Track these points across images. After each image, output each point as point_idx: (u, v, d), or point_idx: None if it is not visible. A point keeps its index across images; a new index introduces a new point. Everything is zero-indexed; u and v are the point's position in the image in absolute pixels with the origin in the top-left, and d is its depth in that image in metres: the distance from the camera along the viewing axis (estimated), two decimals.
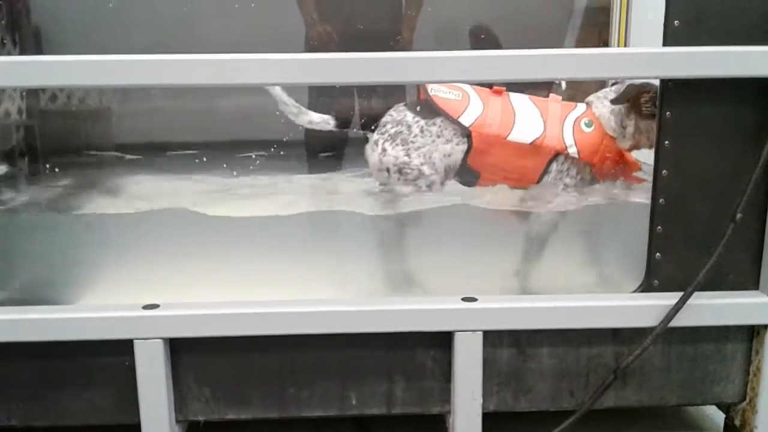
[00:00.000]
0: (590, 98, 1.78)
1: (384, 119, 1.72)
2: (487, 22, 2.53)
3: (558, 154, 1.69)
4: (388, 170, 1.69)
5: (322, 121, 1.77)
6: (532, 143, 1.66)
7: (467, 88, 1.70)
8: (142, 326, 1.41)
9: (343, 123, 1.80)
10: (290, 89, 1.75)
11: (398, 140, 1.67)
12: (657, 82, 1.47)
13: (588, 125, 1.70)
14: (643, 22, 2.40)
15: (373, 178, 1.75)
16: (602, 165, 1.70)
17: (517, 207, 1.73)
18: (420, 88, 1.72)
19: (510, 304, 1.47)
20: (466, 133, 1.67)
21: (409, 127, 1.68)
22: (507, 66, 1.39)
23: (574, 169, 1.70)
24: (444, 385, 1.50)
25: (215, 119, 2.36)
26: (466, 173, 1.72)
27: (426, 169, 1.67)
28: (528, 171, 1.71)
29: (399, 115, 1.70)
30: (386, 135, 1.69)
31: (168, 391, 1.44)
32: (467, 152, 1.68)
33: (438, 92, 1.67)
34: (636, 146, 1.75)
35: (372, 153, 1.71)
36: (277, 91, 1.72)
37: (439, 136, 1.67)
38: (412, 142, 1.66)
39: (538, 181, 1.72)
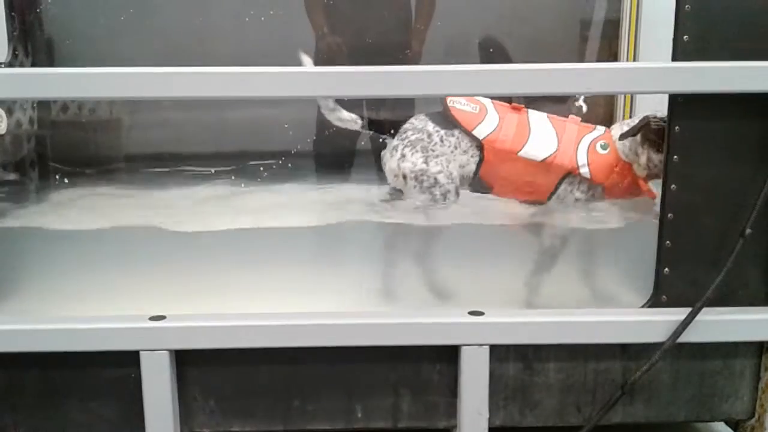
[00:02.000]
0: (614, 125, 1.77)
1: (405, 126, 1.73)
2: (497, 35, 2.53)
3: (569, 173, 1.69)
4: (405, 176, 1.70)
5: (351, 120, 1.78)
6: (543, 161, 1.67)
7: (486, 102, 1.71)
8: (149, 338, 1.41)
9: (369, 125, 1.80)
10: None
11: (418, 147, 1.69)
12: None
13: (604, 147, 1.70)
14: (652, 36, 2.40)
15: (389, 183, 1.75)
16: (614, 187, 1.70)
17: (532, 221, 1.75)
18: (445, 100, 1.73)
19: (517, 318, 1.46)
20: (479, 146, 1.68)
21: (429, 135, 1.69)
22: (516, 80, 1.39)
23: (585, 186, 1.70)
24: (450, 399, 1.49)
25: (225, 130, 2.37)
26: (479, 186, 1.73)
27: (442, 178, 1.68)
28: (539, 188, 1.72)
29: (420, 123, 1.72)
30: (406, 141, 1.70)
31: (173, 403, 1.44)
32: (479, 164, 1.69)
33: (456, 103, 1.69)
34: (652, 176, 1.72)
35: (390, 158, 1.72)
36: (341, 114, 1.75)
37: (456, 147, 1.69)
38: (432, 150, 1.68)
39: (549, 199, 1.72)
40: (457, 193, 1.70)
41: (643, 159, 1.69)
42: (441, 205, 1.69)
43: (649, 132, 1.65)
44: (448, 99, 1.69)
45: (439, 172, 1.67)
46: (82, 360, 1.44)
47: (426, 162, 1.68)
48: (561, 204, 1.72)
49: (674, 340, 1.42)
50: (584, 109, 1.90)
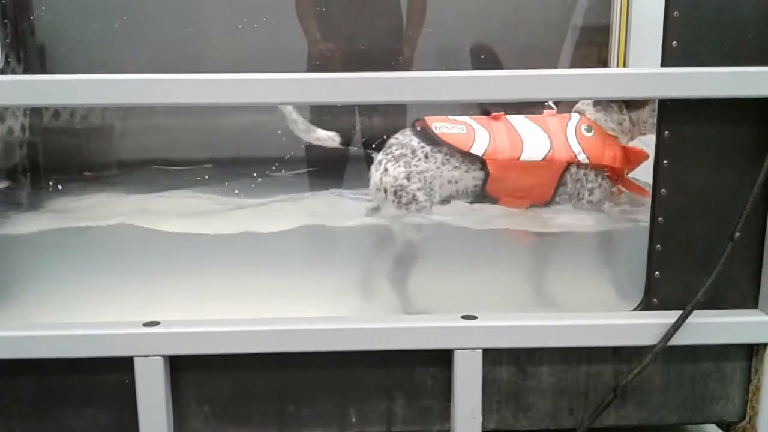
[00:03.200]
0: (578, 107, 1.82)
1: (390, 141, 1.73)
2: (488, 42, 2.55)
3: (569, 165, 1.71)
4: (385, 191, 1.69)
5: (329, 138, 1.78)
6: (544, 159, 1.69)
7: (467, 119, 1.72)
8: (143, 343, 1.41)
9: (347, 141, 1.81)
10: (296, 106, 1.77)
11: (401, 162, 1.68)
12: None
13: (588, 130, 1.73)
14: (642, 42, 2.42)
15: (370, 197, 1.76)
16: (613, 163, 1.72)
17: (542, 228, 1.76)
18: (416, 120, 1.73)
19: (510, 322, 1.47)
20: (480, 162, 1.68)
21: (413, 151, 1.69)
22: (507, 86, 1.40)
23: (591, 174, 1.72)
24: (444, 403, 1.50)
25: (218, 136, 2.38)
26: (485, 201, 1.74)
27: (420, 195, 1.67)
28: (543, 187, 1.73)
29: (405, 138, 1.72)
30: (390, 156, 1.70)
31: (168, 409, 1.44)
32: (485, 181, 1.69)
33: (443, 129, 1.68)
34: (633, 137, 1.80)
35: (375, 172, 1.72)
36: (288, 108, 1.73)
37: (444, 164, 1.68)
38: (415, 166, 1.68)
39: (554, 195, 1.74)
40: (431, 208, 1.70)
41: (626, 123, 1.75)
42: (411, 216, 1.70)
43: None
44: (432, 125, 1.69)
45: (419, 189, 1.67)
46: (76, 366, 1.43)
47: (408, 177, 1.67)
48: (579, 201, 1.73)
49: (665, 343, 1.44)
50: (553, 105, 1.92)
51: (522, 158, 1.67)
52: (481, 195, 1.72)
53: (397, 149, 1.70)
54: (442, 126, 1.68)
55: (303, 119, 1.75)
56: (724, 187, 1.45)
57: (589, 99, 1.74)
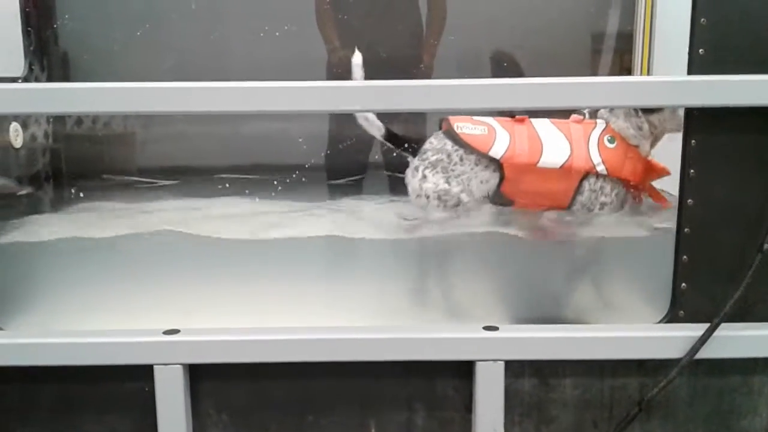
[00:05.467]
0: (602, 113, 1.80)
1: (425, 146, 1.75)
2: (509, 49, 2.53)
3: (588, 174, 1.70)
4: (427, 197, 1.71)
5: (376, 126, 1.78)
6: (561, 167, 1.68)
7: (490, 120, 1.73)
8: (163, 352, 1.41)
9: (369, 149, 1.82)
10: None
11: (438, 168, 1.71)
12: None
13: (611, 141, 1.73)
14: (666, 49, 2.39)
15: (412, 203, 1.76)
16: (632, 177, 1.71)
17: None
18: (442, 120, 1.74)
19: (532, 333, 1.45)
20: (498, 164, 1.69)
21: (449, 155, 1.71)
22: (529, 94, 1.39)
23: (608, 186, 1.71)
24: (465, 415, 1.48)
25: (239, 144, 2.38)
26: (500, 201, 1.74)
27: (464, 197, 1.70)
28: (560, 194, 1.73)
29: (439, 143, 1.73)
30: (426, 162, 1.72)
31: (187, 417, 1.44)
32: (500, 182, 1.70)
33: (464, 129, 1.69)
34: (655, 142, 1.78)
35: (412, 179, 1.74)
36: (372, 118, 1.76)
37: (477, 164, 1.70)
38: (452, 170, 1.70)
39: (571, 203, 1.73)
40: (477, 210, 1.71)
41: (646, 127, 1.73)
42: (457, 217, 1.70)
43: None
44: (455, 125, 1.70)
45: (462, 191, 1.69)
46: (96, 374, 1.43)
47: (447, 182, 1.69)
48: (589, 212, 1.72)
49: (692, 356, 1.41)
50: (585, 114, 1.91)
51: (540, 164, 1.67)
52: (497, 194, 1.72)
53: (432, 154, 1.72)
54: (464, 126, 1.70)
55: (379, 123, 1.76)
56: (752, 197, 1.42)
57: (614, 107, 1.73)
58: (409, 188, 1.75)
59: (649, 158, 1.78)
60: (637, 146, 1.74)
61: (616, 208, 1.74)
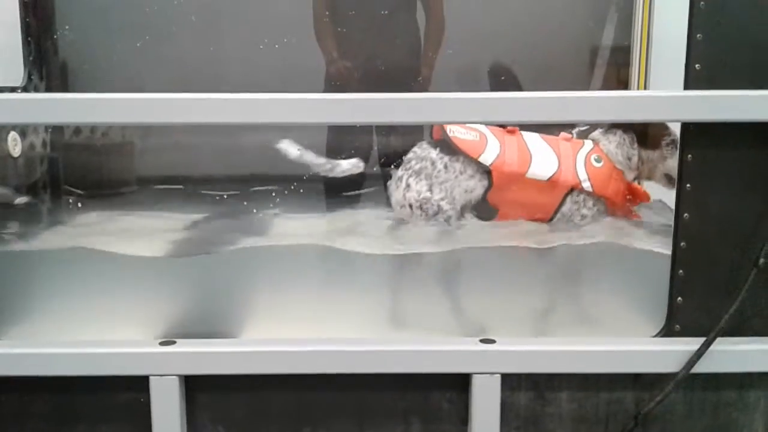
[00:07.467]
0: (594, 135, 1.85)
1: (408, 156, 1.76)
2: (506, 62, 2.55)
3: (573, 189, 1.72)
4: (410, 206, 1.71)
5: (353, 167, 1.80)
6: (549, 179, 1.69)
7: (482, 128, 1.74)
8: (159, 363, 1.41)
9: (366, 159, 1.83)
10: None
11: (422, 176, 1.71)
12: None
13: (597, 161, 1.76)
14: (663, 63, 2.41)
15: (393, 214, 1.76)
16: (615, 197, 1.73)
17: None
18: (434, 127, 1.75)
19: (529, 346, 1.45)
20: (487, 171, 1.70)
21: (433, 162, 1.71)
22: (526, 108, 1.39)
23: (590, 202, 1.73)
24: (461, 427, 1.48)
25: (236, 154, 2.39)
26: (485, 209, 1.75)
27: (444, 205, 1.70)
28: (544, 206, 1.75)
29: (423, 151, 1.74)
30: (410, 171, 1.72)
31: (182, 429, 1.43)
32: (487, 189, 1.71)
33: (457, 133, 1.71)
34: (639, 176, 1.85)
35: (396, 189, 1.74)
36: (308, 157, 1.76)
37: (462, 173, 1.71)
38: (436, 177, 1.70)
39: (553, 215, 1.74)
40: (458, 218, 1.71)
41: (634, 159, 1.77)
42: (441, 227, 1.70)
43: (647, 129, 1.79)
44: (448, 129, 1.71)
45: (442, 198, 1.69)
46: (92, 384, 1.43)
47: (430, 190, 1.69)
48: (568, 223, 1.74)
49: (688, 370, 1.41)
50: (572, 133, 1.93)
51: (528, 175, 1.69)
52: (482, 202, 1.72)
53: (416, 163, 1.72)
54: (455, 130, 1.71)
55: (324, 159, 1.77)
56: (748, 212, 1.42)
57: (611, 122, 1.75)
58: (392, 200, 1.75)
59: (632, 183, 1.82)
60: (621, 170, 1.79)
61: (594, 221, 1.76)
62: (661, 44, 2.42)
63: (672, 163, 1.82)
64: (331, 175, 1.79)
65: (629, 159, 1.79)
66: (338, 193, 2.34)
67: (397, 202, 1.74)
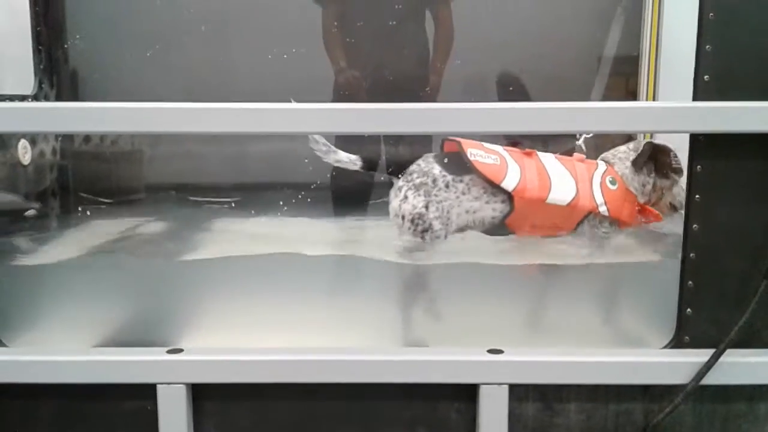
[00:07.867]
0: (607, 156, 1.84)
1: (411, 168, 1.73)
2: (515, 72, 2.55)
3: (590, 213, 1.70)
4: (403, 218, 1.69)
5: (350, 161, 1.77)
6: (568, 204, 1.68)
7: (500, 150, 1.71)
8: (166, 371, 1.41)
9: (370, 165, 1.80)
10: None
11: (421, 191, 1.68)
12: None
13: (612, 183, 1.74)
14: (672, 73, 2.41)
15: (390, 222, 1.76)
16: (629, 220, 1.73)
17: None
18: (445, 140, 1.74)
19: (537, 357, 1.44)
20: (506, 196, 1.67)
21: (434, 180, 1.69)
22: (533, 118, 1.39)
23: (606, 224, 1.73)
24: None
25: (245, 163, 2.40)
26: (501, 232, 1.73)
27: (436, 224, 1.67)
28: (562, 228, 1.75)
29: (427, 166, 1.71)
30: (411, 184, 1.70)
31: None
32: (507, 214, 1.69)
33: (477, 157, 1.67)
34: (649, 203, 1.83)
35: (394, 198, 1.73)
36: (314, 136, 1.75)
37: (464, 193, 1.68)
38: (435, 195, 1.67)
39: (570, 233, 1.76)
40: (446, 237, 1.69)
41: (648, 187, 1.77)
42: (426, 245, 1.69)
43: (658, 158, 1.77)
44: (468, 151, 1.67)
45: (436, 218, 1.67)
46: (99, 392, 1.43)
47: (426, 206, 1.67)
48: (587, 243, 1.73)
49: (698, 381, 1.40)
50: (584, 149, 1.92)
51: (548, 200, 1.67)
52: (499, 227, 1.71)
53: (418, 177, 1.70)
54: (477, 153, 1.67)
55: (325, 140, 1.75)
56: (758, 223, 1.42)
57: (620, 132, 1.74)
58: (390, 208, 1.74)
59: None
60: (635, 194, 1.79)
61: (608, 241, 1.76)
62: (669, 56, 2.42)
63: (677, 191, 1.83)
64: (324, 159, 1.76)
65: (643, 186, 1.79)
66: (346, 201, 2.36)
67: (393, 210, 1.73)
